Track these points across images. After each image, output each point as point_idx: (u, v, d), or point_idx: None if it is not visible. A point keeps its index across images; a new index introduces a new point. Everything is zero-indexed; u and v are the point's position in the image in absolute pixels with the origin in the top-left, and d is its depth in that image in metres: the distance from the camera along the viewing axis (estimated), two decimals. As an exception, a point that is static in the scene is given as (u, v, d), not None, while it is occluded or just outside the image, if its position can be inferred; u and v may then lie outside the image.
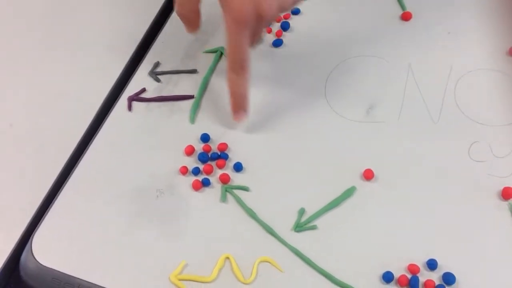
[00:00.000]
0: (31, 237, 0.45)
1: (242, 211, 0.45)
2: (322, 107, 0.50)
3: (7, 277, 0.45)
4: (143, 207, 0.46)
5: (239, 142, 0.49)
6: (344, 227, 0.43)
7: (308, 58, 0.53)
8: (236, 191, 0.46)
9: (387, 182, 0.45)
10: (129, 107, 0.52)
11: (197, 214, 0.45)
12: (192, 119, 0.50)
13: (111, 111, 0.52)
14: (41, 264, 0.43)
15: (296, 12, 0.57)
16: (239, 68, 0.45)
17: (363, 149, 0.47)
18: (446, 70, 0.51)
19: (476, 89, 0.50)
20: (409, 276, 0.41)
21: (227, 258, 0.42)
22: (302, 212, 0.44)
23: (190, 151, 0.48)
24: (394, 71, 0.51)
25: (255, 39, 0.49)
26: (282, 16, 0.56)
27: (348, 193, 0.45)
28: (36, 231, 0.45)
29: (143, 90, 0.53)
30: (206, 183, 0.46)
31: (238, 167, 0.47)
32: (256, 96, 0.50)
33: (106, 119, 0.51)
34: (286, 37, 0.55)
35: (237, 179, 0.47)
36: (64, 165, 0.49)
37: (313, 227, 0.44)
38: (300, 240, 0.43)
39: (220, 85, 0.52)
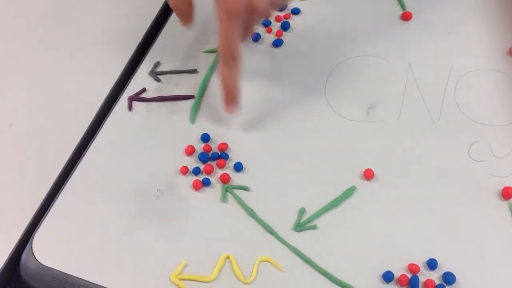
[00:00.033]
0: (31, 237, 0.45)
1: (242, 211, 0.45)
2: (322, 107, 0.50)
3: (7, 277, 0.45)
4: (143, 207, 0.46)
5: (240, 142, 0.49)
6: (344, 227, 0.43)
7: (308, 58, 0.53)
8: (237, 191, 0.46)
9: (387, 182, 0.45)
10: (129, 107, 0.52)
11: (198, 214, 0.45)
12: (192, 119, 0.50)
13: (111, 111, 0.52)
14: (42, 264, 0.43)
15: (296, 12, 0.57)
16: (230, 60, 0.45)
17: (363, 149, 0.47)
18: (446, 70, 0.51)
19: (476, 89, 0.50)
20: (409, 275, 0.41)
21: (228, 257, 0.43)
22: (302, 211, 0.44)
23: (190, 151, 0.48)
24: (394, 71, 0.52)
25: (247, 32, 0.49)
26: (282, 16, 0.56)
27: (348, 193, 0.45)
28: (36, 231, 0.45)
29: (143, 90, 0.53)
30: (206, 183, 0.46)
31: (238, 167, 0.47)
32: (256, 96, 0.51)
33: (106, 119, 0.51)
34: (286, 37, 0.55)
35: (237, 179, 0.47)
36: (64, 165, 0.49)
37: (313, 227, 0.44)
38: (300, 240, 0.43)
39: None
